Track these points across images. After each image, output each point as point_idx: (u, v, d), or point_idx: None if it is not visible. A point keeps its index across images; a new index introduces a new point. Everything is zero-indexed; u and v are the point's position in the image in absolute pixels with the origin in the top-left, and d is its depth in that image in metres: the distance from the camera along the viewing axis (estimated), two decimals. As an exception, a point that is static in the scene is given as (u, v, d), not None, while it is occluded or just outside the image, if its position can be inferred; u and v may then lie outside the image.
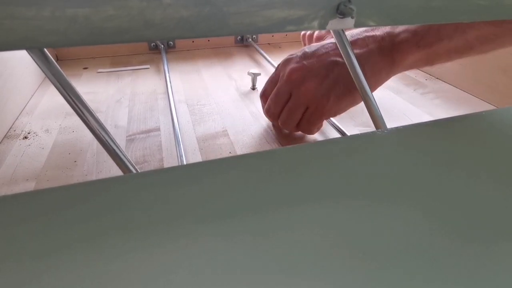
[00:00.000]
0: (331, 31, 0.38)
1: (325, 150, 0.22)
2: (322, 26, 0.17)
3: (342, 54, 0.32)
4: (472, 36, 0.35)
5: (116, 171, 0.35)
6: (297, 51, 0.41)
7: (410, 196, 0.18)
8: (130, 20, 0.14)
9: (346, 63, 0.32)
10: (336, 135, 0.43)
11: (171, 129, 0.44)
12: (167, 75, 0.58)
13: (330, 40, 0.40)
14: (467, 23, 0.34)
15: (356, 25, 0.18)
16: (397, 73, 0.39)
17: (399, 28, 0.38)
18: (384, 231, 0.16)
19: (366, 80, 0.33)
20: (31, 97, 0.53)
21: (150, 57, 0.71)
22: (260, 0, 0.16)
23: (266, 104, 0.42)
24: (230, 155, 0.39)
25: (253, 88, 0.56)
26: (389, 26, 0.38)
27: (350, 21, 0.17)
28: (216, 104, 0.51)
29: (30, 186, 0.34)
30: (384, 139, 0.23)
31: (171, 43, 0.73)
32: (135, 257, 0.14)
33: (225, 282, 0.13)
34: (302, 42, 0.53)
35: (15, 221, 0.16)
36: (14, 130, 0.44)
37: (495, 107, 0.51)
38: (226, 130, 0.44)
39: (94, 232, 0.15)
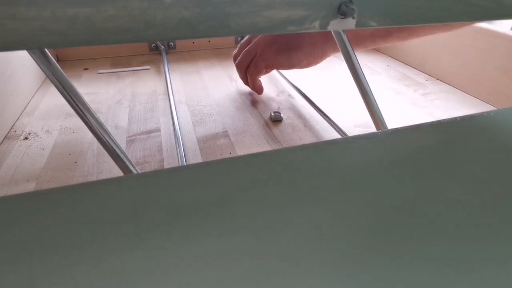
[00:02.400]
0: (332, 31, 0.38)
1: (325, 151, 0.22)
2: (323, 27, 0.17)
3: (342, 54, 0.32)
4: None
5: (116, 172, 0.35)
6: None
7: (411, 197, 0.18)
8: (131, 20, 0.14)
9: (346, 63, 0.32)
10: (337, 135, 0.43)
11: (172, 130, 0.44)
12: (167, 76, 0.58)
13: None
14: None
15: (358, 26, 0.18)
16: (331, 51, 0.45)
17: None
18: (385, 232, 0.16)
19: (302, 50, 0.44)
20: (32, 97, 0.53)
21: (151, 58, 0.71)
22: (261, 1, 0.16)
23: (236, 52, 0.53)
24: (231, 156, 0.39)
25: (254, 88, 0.57)
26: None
27: (351, 21, 0.17)
28: (216, 105, 0.51)
29: (30, 186, 0.34)
30: (384, 140, 0.23)
31: (172, 44, 0.73)
32: (135, 258, 0.14)
33: (225, 283, 0.13)
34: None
35: (15, 222, 0.16)
36: (15, 131, 0.44)
37: (496, 108, 0.51)
38: (227, 131, 0.44)
39: (94, 232, 0.15)
